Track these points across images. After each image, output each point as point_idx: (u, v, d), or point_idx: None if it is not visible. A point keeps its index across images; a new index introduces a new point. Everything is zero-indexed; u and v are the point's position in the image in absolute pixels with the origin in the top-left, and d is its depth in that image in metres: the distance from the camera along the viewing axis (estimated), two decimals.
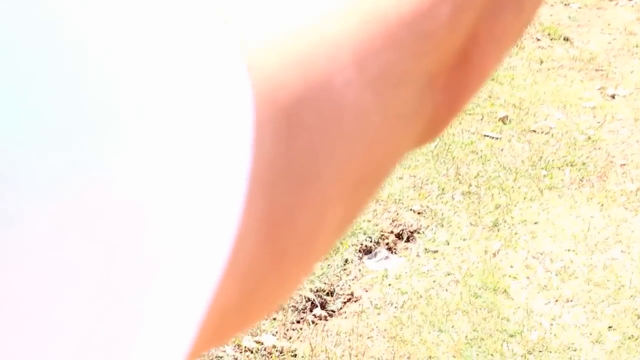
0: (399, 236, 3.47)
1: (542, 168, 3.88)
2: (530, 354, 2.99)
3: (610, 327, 3.10)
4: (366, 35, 0.34)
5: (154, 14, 0.26)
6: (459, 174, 3.81)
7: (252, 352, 2.94)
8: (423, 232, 3.48)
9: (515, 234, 3.50)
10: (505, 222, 3.56)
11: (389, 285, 3.24)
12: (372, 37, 0.35)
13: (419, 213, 3.57)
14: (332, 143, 0.33)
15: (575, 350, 3.01)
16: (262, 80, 0.30)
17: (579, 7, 5.25)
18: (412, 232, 3.48)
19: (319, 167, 0.33)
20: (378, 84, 0.35)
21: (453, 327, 3.07)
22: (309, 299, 3.14)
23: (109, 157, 0.23)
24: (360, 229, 3.41)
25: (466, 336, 3.03)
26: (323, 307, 3.15)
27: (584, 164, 3.93)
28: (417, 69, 0.37)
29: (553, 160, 3.93)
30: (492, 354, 2.97)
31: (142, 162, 0.24)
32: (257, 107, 0.29)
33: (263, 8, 0.33)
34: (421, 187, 3.71)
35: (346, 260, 3.32)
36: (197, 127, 0.26)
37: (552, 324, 3.10)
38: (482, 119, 4.17)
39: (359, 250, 3.37)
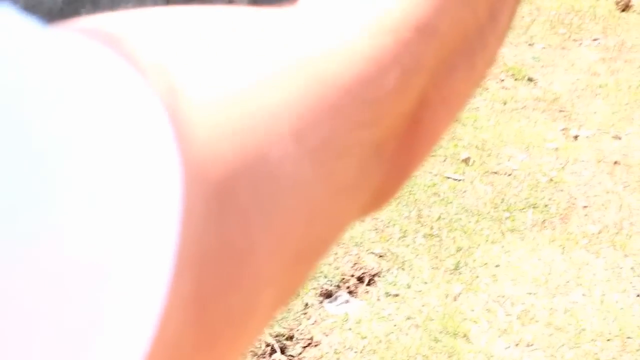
0: (360, 279, 3.45)
1: (504, 210, 3.88)
2: None
3: None
4: (306, 104, 0.33)
5: (75, 81, 0.25)
6: (421, 217, 3.80)
7: None
8: (384, 276, 3.47)
9: (477, 277, 3.49)
10: (466, 265, 3.55)
11: (349, 329, 3.22)
12: (313, 106, 0.33)
13: (380, 256, 3.56)
14: (268, 218, 0.32)
15: None
16: (193, 152, 0.29)
17: (543, 47, 5.28)
18: (373, 276, 3.47)
19: (253, 244, 0.31)
20: (318, 155, 0.33)
21: None
22: (268, 344, 3.11)
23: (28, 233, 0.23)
24: (321, 272, 3.40)
25: None
26: (283, 352, 3.12)
27: (546, 205, 3.93)
28: (362, 138, 0.35)
29: (515, 202, 3.94)
30: None
31: (71, 242, 0.23)
32: (187, 182, 0.28)
33: (196, 72, 0.31)
34: (383, 230, 3.70)
35: (306, 304, 3.30)
36: (119, 204, 0.25)
37: None
38: (444, 161, 4.18)
39: (320, 294, 3.35)
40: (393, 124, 0.37)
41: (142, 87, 0.27)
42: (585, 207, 3.93)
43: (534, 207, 3.91)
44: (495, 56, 0.44)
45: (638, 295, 3.42)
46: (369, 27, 0.36)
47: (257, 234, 0.31)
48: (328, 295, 3.36)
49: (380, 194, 0.40)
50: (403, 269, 3.51)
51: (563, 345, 3.20)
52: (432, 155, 4.18)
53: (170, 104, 0.28)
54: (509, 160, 4.23)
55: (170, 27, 0.33)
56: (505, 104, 4.70)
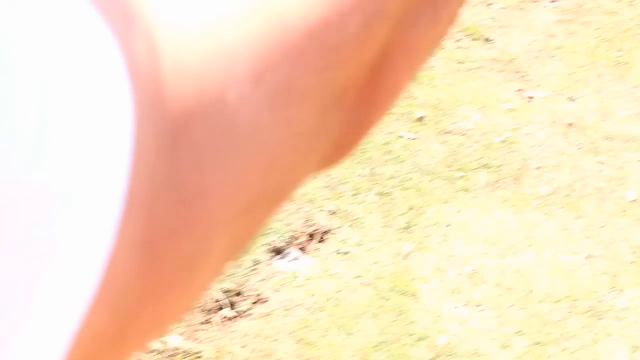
0: (311, 236, 3.45)
1: (457, 170, 3.89)
2: (438, 358, 2.99)
3: (518, 332, 3.11)
4: (265, 45, 0.32)
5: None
6: (374, 175, 3.80)
7: (157, 353, 2.90)
8: (335, 233, 3.46)
9: (428, 236, 3.50)
10: (417, 224, 3.55)
11: (299, 286, 3.22)
12: (272, 48, 0.32)
13: (332, 213, 3.56)
14: (223, 161, 0.31)
15: (482, 355, 3.01)
16: (147, 87, 0.27)
17: (501, 8, 5.27)
18: (324, 233, 3.46)
19: (206, 186, 0.30)
20: (277, 99, 0.32)
21: (361, 330, 3.05)
22: (217, 300, 3.10)
23: None
24: (272, 228, 3.39)
25: (374, 340, 3.02)
26: (231, 307, 3.12)
27: (499, 166, 3.94)
28: (322, 84, 0.34)
29: (468, 162, 3.94)
30: (399, 358, 2.96)
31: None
32: (138, 117, 0.26)
33: (153, 8, 0.30)
34: (335, 187, 3.69)
35: (256, 261, 3.29)
36: (67, 137, 0.23)
37: (460, 329, 3.10)
38: (398, 119, 4.17)
39: (270, 251, 3.34)
40: (354, 72, 0.36)
41: (89, 12, 0.26)
42: (538, 168, 3.94)
43: (487, 168, 3.92)
44: (458, 9, 0.43)
45: (588, 257, 3.44)
46: None
47: (211, 176, 0.31)
48: (278, 251, 3.35)
49: (339, 146, 0.39)
50: (354, 227, 3.50)
51: (512, 305, 3.21)
52: (387, 114, 4.16)
53: (126, 33, 0.27)
54: (463, 120, 4.23)
55: None
56: (461, 63, 4.69)
